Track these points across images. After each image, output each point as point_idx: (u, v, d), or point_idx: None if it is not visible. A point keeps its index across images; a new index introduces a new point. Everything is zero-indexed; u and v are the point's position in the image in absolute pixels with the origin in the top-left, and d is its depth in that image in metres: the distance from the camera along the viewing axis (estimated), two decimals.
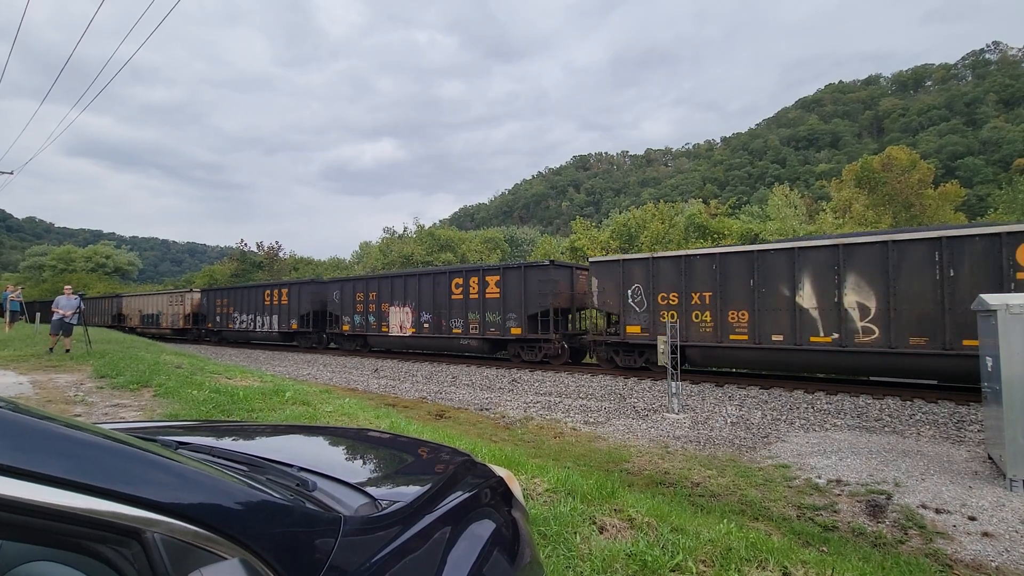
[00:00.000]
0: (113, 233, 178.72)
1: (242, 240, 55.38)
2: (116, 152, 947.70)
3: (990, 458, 6.90)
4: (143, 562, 0.75)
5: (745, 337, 12.12)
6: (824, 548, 4.55)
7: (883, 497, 5.85)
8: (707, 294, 12.69)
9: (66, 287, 14.03)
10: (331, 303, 22.52)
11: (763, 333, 11.87)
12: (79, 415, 6.48)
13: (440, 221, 71.51)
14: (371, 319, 20.76)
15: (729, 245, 13.39)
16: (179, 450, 1.25)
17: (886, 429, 9.00)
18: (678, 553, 2.87)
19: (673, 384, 10.63)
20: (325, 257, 56.74)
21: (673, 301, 13.18)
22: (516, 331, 15.97)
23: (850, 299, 10.93)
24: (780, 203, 33.65)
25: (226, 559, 0.82)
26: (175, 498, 0.83)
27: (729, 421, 9.76)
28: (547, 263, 15.96)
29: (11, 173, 36.76)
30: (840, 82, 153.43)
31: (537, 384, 13.91)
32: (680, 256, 13.27)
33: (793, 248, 11.76)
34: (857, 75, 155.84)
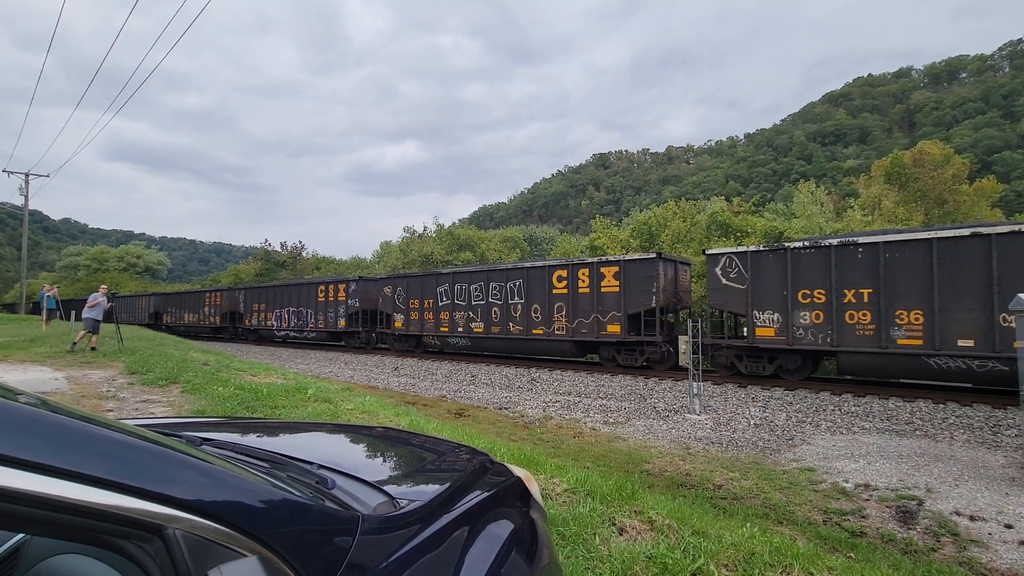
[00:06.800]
0: (144, 233, 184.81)
1: (266, 240, 56.43)
2: (151, 156, 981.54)
3: None
4: (164, 558, 0.76)
5: None
6: (852, 554, 4.43)
7: (914, 503, 5.68)
8: None
9: (102, 286, 14.48)
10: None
11: None
12: (111, 410, 6.69)
13: (460, 221, 71.78)
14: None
15: None
16: (203, 446, 1.27)
17: (917, 433, 8.73)
18: (699, 556, 2.82)
19: (695, 384, 10.48)
20: (347, 256, 57.52)
21: None
22: None
23: None
24: (806, 200, 32.83)
25: (245, 556, 0.83)
26: (196, 495, 0.84)
27: (752, 423, 9.58)
28: None
29: (47, 176, 38.20)
30: (869, 75, 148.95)
31: (556, 384, 13.86)
32: None
33: None
34: (885, 71, 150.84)
